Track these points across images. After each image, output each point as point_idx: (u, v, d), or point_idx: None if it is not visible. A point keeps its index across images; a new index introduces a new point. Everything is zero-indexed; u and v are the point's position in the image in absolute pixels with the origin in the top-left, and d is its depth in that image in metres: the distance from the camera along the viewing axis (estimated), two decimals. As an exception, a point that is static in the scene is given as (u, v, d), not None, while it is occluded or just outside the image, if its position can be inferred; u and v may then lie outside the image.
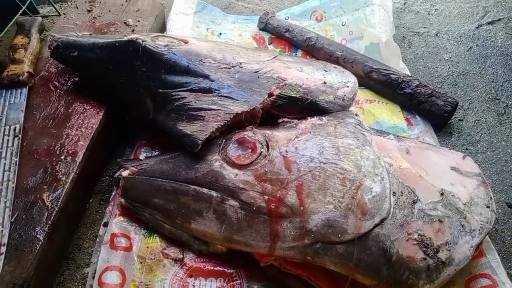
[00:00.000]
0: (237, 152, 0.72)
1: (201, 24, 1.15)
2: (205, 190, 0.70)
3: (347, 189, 0.66)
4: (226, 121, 0.73)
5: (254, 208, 0.67)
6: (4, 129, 0.78)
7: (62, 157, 0.76)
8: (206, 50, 0.83)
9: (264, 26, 1.17)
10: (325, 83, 0.83)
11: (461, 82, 1.06)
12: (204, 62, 0.80)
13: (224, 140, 0.74)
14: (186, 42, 0.85)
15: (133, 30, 1.00)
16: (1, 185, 0.69)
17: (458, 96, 1.03)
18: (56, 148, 0.77)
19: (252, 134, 0.73)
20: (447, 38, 1.19)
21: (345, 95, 0.82)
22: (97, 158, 0.84)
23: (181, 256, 0.73)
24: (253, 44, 1.13)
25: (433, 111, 0.94)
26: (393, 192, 0.66)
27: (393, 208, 0.65)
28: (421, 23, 1.25)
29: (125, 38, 0.82)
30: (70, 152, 0.77)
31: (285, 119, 0.80)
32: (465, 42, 1.17)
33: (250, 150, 0.72)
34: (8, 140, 0.76)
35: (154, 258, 0.72)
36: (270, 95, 0.78)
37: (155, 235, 0.75)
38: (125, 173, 0.76)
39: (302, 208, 0.65)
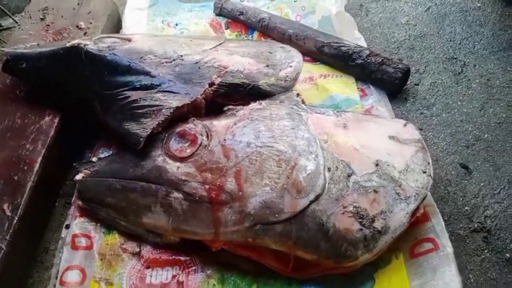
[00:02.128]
0: (178, 145, 0.74)
1: (156, 17, 1.15)
2: (151, 186, 0.72)
3: (282, 170, 0.67)
4: (166, 116, 0.75)
5: (197, 198, 0.69)
6: (-37, 146, 0.81)
7: (20, 167, 0.79)
8: (148, 46, 0.84)
9: (220, 11, 1.17)
10: (267, 66, 0.83)
11: (418, 45, 1.05)
12: (145, 59, 0.81)
13: (166, 135, 0.76)
14: (129, 40, 0.87)
15: (85, 33, 1.02)
16: (-40, 200, 0.73)
17: (415, 59, 1.02)
18: (14, 160, 0.80)
19: (193, 126, 0.75)
20: (405, 0, 1.17)
21: (287, 75, 0.83)
22: (57, 164, 0.86)
23: (138, 249, 0.75)
24: (209, 31, 1.14)
25: (384, 79, 0.94)
26: (328, 168, 0.68)
27: (328, 183, 0.67)
28: (379, -12, 1.23)
29: (68, 44, 0.83)
30: (27, 161, 0.79)
31: (230, 107, 0.81)
32: (423, 2, 1.15)
33: (190, 142, 0.73)
34: (-34, 156, 0.80)
35: (113, 254, 0.75)
36: (211, 84, 0.79)
37: (114, 231, 0.77)
38: (78, 176, 0.79)
39: (240, 193, 0.67)
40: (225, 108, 0.81)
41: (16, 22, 1.16)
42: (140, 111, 0.77)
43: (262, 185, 0.67)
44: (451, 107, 0.92)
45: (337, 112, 0.78)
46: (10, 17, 1.17)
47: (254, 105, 0.77)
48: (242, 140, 0.71)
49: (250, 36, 1.12)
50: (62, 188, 0.87)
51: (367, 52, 0.95)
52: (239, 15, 1.13)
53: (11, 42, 1.01)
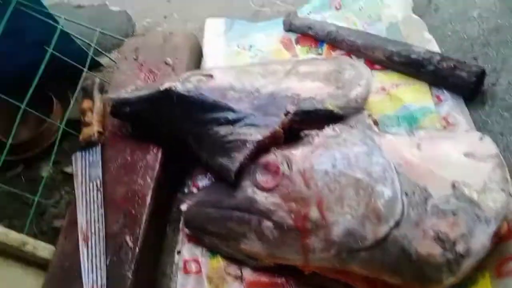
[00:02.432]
0: (264, 177, 0.78)
1: (232, 41, 1.20)
2: (244, 215, 0.78)
3: (361, 197, 0.69)
4: (251, 149, 0.80)
5: (285, 226, 0.73)
6: (89, 185, 0.94)
7: (135, 200, 0.89)
8: (228, 82, 0.89)
9: (289, 27, 1.18)
10: (337, 87, 0.84)
11: (493, 40, 0.98)
12: (226, 96, 0.87)
13: (253, 167, 0.81)
14: (211, 76, 0.92)
15: (173, 69, 1.10)
16: (95, 235, 0.85)
17: (490, 57, 0.96)
18: (129, 194, 0.90)
19: (274, 157, 0.79)
20: (475, -10, 1.08)
21: (357, 96, 0.83)
22: (164, 194, 0.96)
23: (239, 272, 0.83)
24: (281, 49, 1.15)
25: (459, 85, 0.89)
26: (405, 193, 0.68)
27: (406, 208, 0.67)
28: (448, -20, 1.14)
29: (161, 88, 0.91)
30: (140, 195, 0.90)
31: (306, 132, 0.83)
32: (495, -9, 1.05)
33: (274, 172, 0.78)
34: (93, 195, 0.92)
35: (219, 277, 0.83)
36: (286, 114, 0.82)
37: (217, 255, 0.86)
38: (183, 207, 0.87)
39: (324, 221, 0.70)
40: (302, 134, 0.84)
41: (115, 62, 1.28)
42: (228, 145, 0.83)
43: (343, 213, 0.69)
44: (534, 107, 0.86)
45: (410, 131, 0.77)
46: (109, 58, 1.29)
47: (328, 131, 0.79)
48: (320, 169, 0.73)
49: (320, 49, 1.12)
50: (170, 215, 0.97)
51: (438, 57, 0.91)
52: (307, 30, 1.13)
53: (113, 83, 1.12)
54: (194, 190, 0.95)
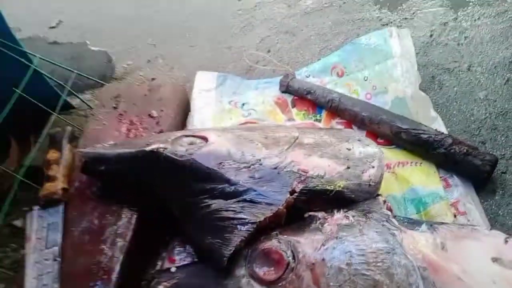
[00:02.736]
0: (263, 267, 0.68)
1: (223, 97, 1.12)
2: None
3: (379, 306, 0.60)
4: (250, 232, 0.70)
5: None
6: (45, 253, 0.79)
7: (99, 276, 0.76)
8: (226, 149, 0.80)
9: (286, 89, 1.12)
10: (348, 167, 0.77)
11: (501, 125, 0.96)
12: (224, 166, 0.77)
13: (249, 252, 0.70)
14: (206, 139, 0.83)
15: (157, 122, 1.00)
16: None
17: (498, 142, 0.93)
18: (93, 267, 0.77)
19: (277, 243, 0.69)
20: (480, 71, 1.08)
21: (371, 179, 0.76)
22: (134, 267, 0.83)
23: None
24: (275, 111, 1.09)
25: (470, 171, 0.85)
26: (432, 303, 0.60)
27: (432, 321, 0.59)
28: (451, 56, 1.14)
29: (147, 149, 0.80)
30: (105, 269, 0.76)
31: (311, 213, 0.75)
32: (501, 73, 1.06)
33: (276, 263, 0.67)
34: (48, 264, 0.78)
35: None
36: (292, 192, 0.74)
37: None
38: (159, 291, 0.75)
39: (336, 332, 0.61)
40: (306, 215, 0.75)
41: (90, 107, 1.16)
42: (221, 223, 0.72)
43: (357, 323, 0.60)
44: (547, 201, 0.83)
45: (431, 226, 0.70)
46: (83, 101, 1.17)
47: (340, 218, 0.71)
48: (333, 266, 0.64)
49: (319, 115, 1.06)
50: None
51: (450, 140, 0.87)
52: (306, 94, 1.07)
53: (87, 133, 1.00)
54: (171, 267, 0.82)
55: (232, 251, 0.69)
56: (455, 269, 0.62)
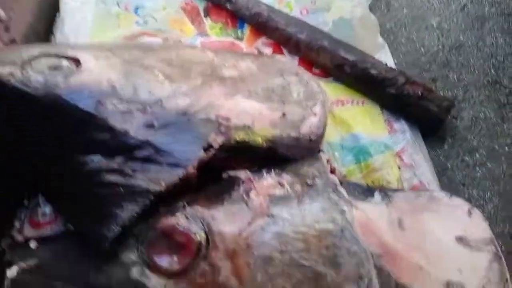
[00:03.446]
0: (163, 253, 0.50)
1: (109, -4, 0.84)
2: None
3: (321, 305, 0.48)
4: (144, 206, 0.51)
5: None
6: None
7: None
8: (107, 80, 0.56)
9: (198, -8, 0.87)
10: (284, 115, 0.59)
11: (454, 60, 0.84)
12: (105, 106, 0.54)
13: (144, 231, 0.52)
14: (77, 62, 0.58)
15: (6, 28, 0.70)
16: None
17: (451, 81, 0.82)
18: None
19: (184, 220, 0.51)
20: (435, -8, 0.93)
21: (312, 131, 0.59)
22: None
23: None
24: (182, 20, 0.85)
25: (423, 118, 0.74)
26: (385, 298, 0.49)
27: (385, 323, 0.48)
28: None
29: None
30: None
31: (232, 174, 0.57)
32: (456, -2, 0.92)
33: (182, 247, 0.50)
34: None
35: None
36: (207, 147, 0.55)
37: None
38: (11, 273, 0.54)
39: (262, 338, 0.47)
40: (225, 176, 0.57)
41: None
42: (103, 191, 0.52)
43: (291, 330, 0.47)
44: (497, 154, 0.75)
45: (385, 195, 0.57)
46: None
47: (271, 184, 0.55)
48: (262, 254, 0.49)
49: (240, 31, 0.85)
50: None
51: (403, 79, 0.73)
52: (225, 1, 0.84)
53: None
54: (30, 241, 0.60)
55: (117, 231, 0.50)
56: (416, 257, 0.51)
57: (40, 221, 0.66)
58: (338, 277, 0.48)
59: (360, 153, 0.73)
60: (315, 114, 0.61)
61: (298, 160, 0.58)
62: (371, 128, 0.75)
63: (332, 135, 0.74)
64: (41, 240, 0.58)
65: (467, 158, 0.75)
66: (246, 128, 0.56)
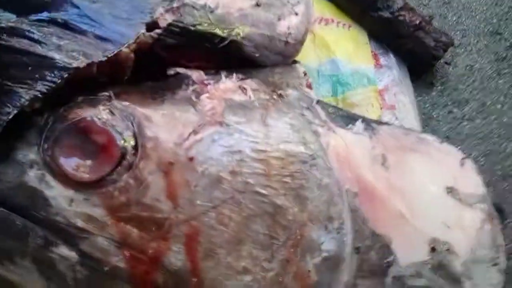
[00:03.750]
0: (73, 155, 0.37)
1: None
2: (13, 219, 0.37)
3: (278, 245, 0.37)
4: (53, 84, 0.37)
5: (106, 268, 0.36)
6: None
7: None
8: None
9: None
10: (258, 5, 0.46)
11: (455, 0, 0.74)
12: None
13: (50, 122, 0.38)
14: None
15: None
16: None
17: (449, 22, 0.72)
18: None
19: (108, 115, 0.38)
20: None
21: (289, 33, 0.47)
22: None
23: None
24: None
25: (416, 52, 0.64)
26: (356, 248, 0.39)
27: (354, 277, 0.38)
28: None
29: None
30: None
31: (180, 70, 0.44)
32: None
33: (100, 150, 0.37)
34: None
35: None
36: (152, 26, 0.41)
37: None
38: None
39: (195, 278, 0.36)
40: (171, 72, 0.44)
41: None
42: (6, 58, 0.38)
43: (239, 270, 0.37)
44: (489, 111, 0.67)
45: (368, 125, 0.46)
46: None
47: (230, 88, 0.42)
48: (208, 173, 0.37)
49: None
50: None
51: (400, 3, 0.62)
52: None
53: None
54: None
55: (12, 114, 0.36)
56: (398, 203, 0.41)
57: None
58: (302, 214, 0.38)
59: (339, 83, 0.62)
60: (296, 14, 0.48)
61: (268, 67, 0.46)
62: (355, 56, 0.64)
63: (309, 57, 0.62)
64: None
65: (455, 110, 0.66)
66: (207, 10, 0.43)
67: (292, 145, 0.39)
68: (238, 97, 0.41)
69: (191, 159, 0.37)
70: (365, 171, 0.41)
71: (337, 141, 0.42)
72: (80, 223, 0.36)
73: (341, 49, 0.63)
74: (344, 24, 0.66)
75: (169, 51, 0.45)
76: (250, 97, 0.41)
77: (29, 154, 0.38)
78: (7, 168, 0.38)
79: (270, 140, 0.39)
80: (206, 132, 0.38)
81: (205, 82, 0.44)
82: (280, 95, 0.42)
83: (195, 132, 0.38)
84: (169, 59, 0.45)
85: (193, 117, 0.39)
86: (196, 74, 0.44)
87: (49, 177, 0.37)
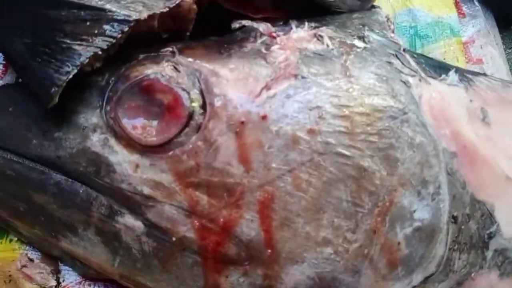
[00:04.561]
0: (137, 116, 0.34)
1: None
2: (76, 187, 0.35)
3: (363, 214, 0.33)
4: (114, 39, 0.34)
5: (174, 239, 0.34)
6: None
7: None
8: None
9: None
10: None
11: None
12: None
13: (112, 83, 0.35)
14: None
15: None
16: None
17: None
18: None
19: (173, 72, 0.35)
20: None
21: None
22: None
23: (54, 281, 0.42)
24: None
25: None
26: (453, 217, 0.34)
27: (450, 250, 0.33)
28: None
29: None
30: None
31: (246, 23, 0.40)
32: None
33: (165, 111, 0.34)
34: None
35: (7, 279, 0.41)
36: (215, -28, 0.37)
37: (9, 236, 0.42)
38: None
39: (269, 250, 0.33)
40: (235, 25, 0.40)
41: None
42: (54, 15, 0.35)
43: (318, 241, 0.33)
44: None
45: (463, 76, 0.40)
46: None
47: (303, 38, 0.37)
48: (284, 132, 0.33)
49: None
50: None
51: None
52: None
53: None
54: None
55: (71, 74, 0.33)
56: (502, 164, 0.35)
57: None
58: (391, 178, 0.33)
59: (417, 35, 0.55)
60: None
61: (344, 13, 0.41)
62: (434, 5, 0.56)
63: (383, 7, 0.55)
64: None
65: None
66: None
67: (379, 98, 0.34)
68: (314, 46, 0.36)
69: (264, 117, 0.33)
70: (463, 127, 0.35)
71: (431, 93, 0.36)
72: (146, 190, 0.34)
73: (419, -3, 0.56)
74: (420, -32, 0.59)
75: (233, 2, 0.40)
76: (327, 45, 0.36)
77: (91, 117, 0.35)
78: (68, 133, 0.35)
79: (354, 93, 0.34)
80: (280, 87, 0.34)
81: (274, 34, 0.39)
82: (363, 42, 0.37)
83: (267, 87, 0.34)
84: (232, 11, 0.41)
85: (265, 71, 0.35)
86: (263, 26, 0.40)
87: (112, 141, 0.34)
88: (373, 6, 0.43)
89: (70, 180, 0.35)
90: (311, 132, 0.33)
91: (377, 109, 0.34)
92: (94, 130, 0.35)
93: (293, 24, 0.40)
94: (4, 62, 0.48)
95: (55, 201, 0.36)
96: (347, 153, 0.33)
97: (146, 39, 0.38)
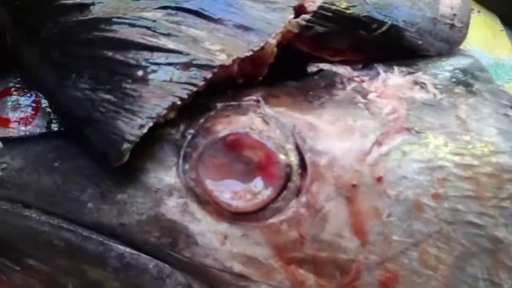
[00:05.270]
0: (224, 176, 0.29)
1: None
2: (147, 261, 0.29)
3: (500, 294, 0.27)
4: (194, 87, 0.28)
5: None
6: None
7: None
8: None
9: None
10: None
11: None
12: None
13: (190, 137, 0.30)
14: None
15: None
16: None
17: None
18: None
19: (263, 125, 0.29)
20: None
21: (455, 14, 0.38)
22: None
23: None
24: None
25: None
26: None
27: None
28: None
29: None
30: None
31: (324, 67, 0.35)
32: None
33: (256, 172, 0.28)
34: None
35: None
36: (300, 10, 0.33)
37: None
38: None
39: None
40: (313, 69, 0.35)
41: None
42: (120, 60, 0.29)
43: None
44: None
45: None
46: None
47: (401, 85, 0.33)
48: (404, 198, 0.28)
49: None
50: None
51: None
52: None
53: None
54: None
55: (145, 128, 0.28)
56: None
57: (10, 117, 0.43)
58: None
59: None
60: (458, -10, 0.39)
61: (433, 57, 0.37)
62: (493, 46, 0.54)
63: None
64: (9, 141, 0.35)
65: None
66: (359, -5, 0.34)
67: (506, 156, 0.29)
68: (419, 95, 0.32)
69: (379, 179, 0.28)
70: None
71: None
72: (237, 267, 0.28)
73: (476, 37, 0.53)
74: (472, 9, 0.56)
75: (312, 43, 0.36)
76: (434, 94, 0.32)
77: (165, 177, 0.29)
78: (135, 196, 0.29)
79: (477, 152, 0.29)
80: (393, 143, 0.29)
81: (357, 79, 0.35)
82: (471, 90, 0.32)
83: (378, 143, 0.29)
84: (309, 53, 0.36)
85: (371, 123, 0.30)
86: (342, 70, 0.35)
87: (194, 207, 0.28)
88: (458, 50, 0.39)
89: (137, 252, 0.29)
90: (436, 197, 0.28)
91: (505, 169, 0.29)
92: (170, 193, 0.29)
93: (380, 68, 0.35)
94: (34, 104, 0.43)
95: (117, 278, 0.29)
96: (479, 221, 0.28)
97: (217, 84, 0.33)
